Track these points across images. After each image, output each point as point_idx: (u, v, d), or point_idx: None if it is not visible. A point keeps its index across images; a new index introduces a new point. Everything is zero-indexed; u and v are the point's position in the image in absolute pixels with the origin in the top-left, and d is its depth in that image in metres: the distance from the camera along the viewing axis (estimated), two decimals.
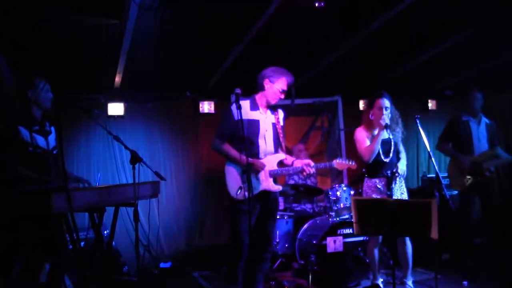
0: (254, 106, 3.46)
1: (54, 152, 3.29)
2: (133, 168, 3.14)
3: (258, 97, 3.51)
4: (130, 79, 5.06)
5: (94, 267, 3.64)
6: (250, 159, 3.23)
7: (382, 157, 3.85)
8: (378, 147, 3.82)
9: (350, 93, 6.34)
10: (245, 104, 3.42)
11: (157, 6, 3.69)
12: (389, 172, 3.69)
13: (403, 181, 3.95)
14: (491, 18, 4.46)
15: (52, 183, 3.02)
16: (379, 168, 3.85)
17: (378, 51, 5.17)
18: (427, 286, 4.13)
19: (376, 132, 3.86)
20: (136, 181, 3.08)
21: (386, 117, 3.78)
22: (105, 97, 5.31)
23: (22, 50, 4.14)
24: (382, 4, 4.08)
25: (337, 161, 3.56)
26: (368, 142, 3.89)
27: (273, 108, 3.49)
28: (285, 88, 3.44)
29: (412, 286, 3.89)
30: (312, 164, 3.46)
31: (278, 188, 3.50)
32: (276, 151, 3.51)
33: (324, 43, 4.84)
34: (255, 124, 3.41)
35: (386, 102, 3.82)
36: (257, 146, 3.42)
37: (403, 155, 4.02)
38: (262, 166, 3.37)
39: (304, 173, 3.45)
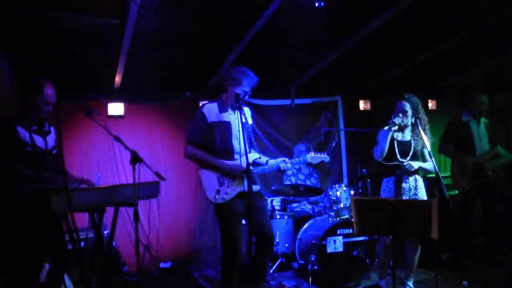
0: (223, 108, 3.40)
1: (54, 152, 3.28)
2: (133, 168, 3.14)
3: (224, 98, 3.44)
4: (130, 79, 5.05)
5: (94, 267, 3.64)
6: (227, 162, 3.29)
7: (398, 157, 3.75)
8: (385, 146, 3.71)
9: (350, 93, 6.34)
10: (214, 107, 3.40)
11: (157, 6, 3.69)
12: (399, 172, 3.67)
13: (421, 182, 3.84)
14: (491, 17, 4.46)
15: (52, 183, 3.02)
16: (394, 168, 3.76)
17: (378, 51, 5.17)
18: (427, 286, 4.13)
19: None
20: (136, 181, 3.09)
21: (397, 118, 3.70)
22: (105, 97, 5.31)
23: (22, 50, 4.14)
24: (381, 4, 4.08)
25: (310, 155, 3.54)
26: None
27: (239, 107, 3.32)
28: (248, 90, 3.36)
29: (412, 286, 3.88)
30: (287, 160, 3.43)
31: (256, 187, 3.41)
32: (249, 151, 3.37)
33: (324, 43, 4.84)
34: (227, 125, 3.36)
35: (404, 106, 3.72)
36: (232, 148, 3.37)
37: (428, 161, 3.81)
38: (241, 169, 3.24)
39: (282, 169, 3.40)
